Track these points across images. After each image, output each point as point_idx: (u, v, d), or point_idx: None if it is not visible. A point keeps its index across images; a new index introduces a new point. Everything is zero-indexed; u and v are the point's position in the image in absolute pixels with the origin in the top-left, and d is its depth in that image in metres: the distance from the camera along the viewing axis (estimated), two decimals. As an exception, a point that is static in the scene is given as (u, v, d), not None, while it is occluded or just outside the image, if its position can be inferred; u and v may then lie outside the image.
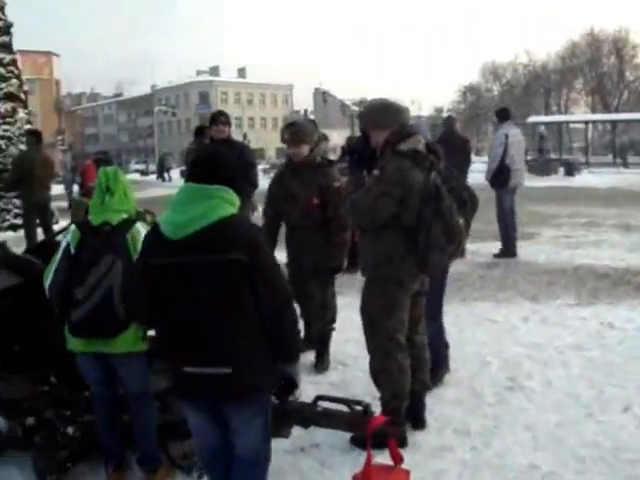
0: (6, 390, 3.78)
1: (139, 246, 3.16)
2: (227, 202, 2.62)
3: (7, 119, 15.39)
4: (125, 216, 3.45)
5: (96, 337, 3.32)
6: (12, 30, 16.06)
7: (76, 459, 3.62)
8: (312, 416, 3.19)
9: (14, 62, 16.06)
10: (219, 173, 2.66)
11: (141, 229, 3.37)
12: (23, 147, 14.53)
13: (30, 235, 10.78)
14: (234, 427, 2.73)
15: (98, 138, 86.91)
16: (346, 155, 5.15)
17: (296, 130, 5.22)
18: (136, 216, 3.59)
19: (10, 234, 14.30)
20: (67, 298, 3.38)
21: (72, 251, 3.40)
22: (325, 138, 7.02)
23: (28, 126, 15.56)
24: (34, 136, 11.37)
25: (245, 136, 45.41)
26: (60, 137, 59.82)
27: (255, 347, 2.60)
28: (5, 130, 15.27)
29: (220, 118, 6.95)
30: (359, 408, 3.12)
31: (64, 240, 3.50)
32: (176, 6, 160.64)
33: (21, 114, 15.77)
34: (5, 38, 15.92)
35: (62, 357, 3.56)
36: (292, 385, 2.78)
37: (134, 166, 56.17)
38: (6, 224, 15.01)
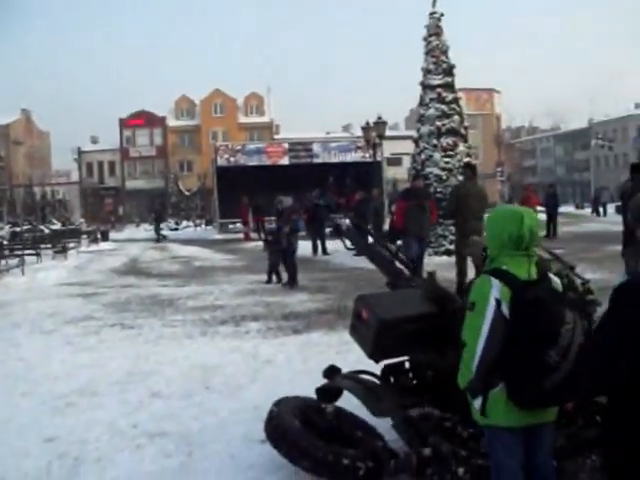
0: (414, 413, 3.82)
1: None
2: None
3: (448, 152, 16.68)
4: None
5: None
6: (454, 71, 17.44)
7: None
8: None
9: (456, 100, 17.39)
10: None
11: None
12: (461, 178, 15.57)
13: (460, 264, 11.33)
14: None
15: (535, 170, 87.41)
16: None
17: None
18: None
19: (445, 258, 15.43)
20: None
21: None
22: None
23: (467, 159, 16.63)
24: (469, 169, 12.08)
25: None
26: (499, 169, 62.04)
27: None
28: (446, 162, 16.57)
29: None
30: None
31: None
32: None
33: (461, 148, 16.94)
34: (448, 79, 17.35)
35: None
36: None
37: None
38: (442, 249, 16.22)
